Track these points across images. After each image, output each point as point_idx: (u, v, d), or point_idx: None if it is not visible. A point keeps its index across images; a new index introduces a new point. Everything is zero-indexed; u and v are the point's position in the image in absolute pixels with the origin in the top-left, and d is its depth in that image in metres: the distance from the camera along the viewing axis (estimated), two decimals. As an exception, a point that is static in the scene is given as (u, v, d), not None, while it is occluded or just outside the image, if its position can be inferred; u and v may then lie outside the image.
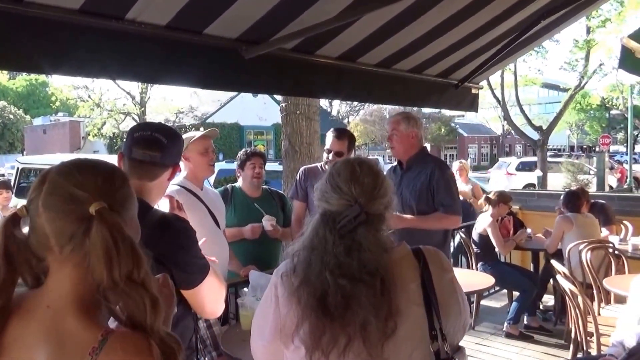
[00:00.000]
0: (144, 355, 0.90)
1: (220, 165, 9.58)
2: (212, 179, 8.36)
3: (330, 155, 3.54)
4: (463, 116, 42.69)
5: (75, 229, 0.96)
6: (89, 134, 26.19)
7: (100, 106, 24.25)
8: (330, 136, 3.60)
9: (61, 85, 26.07)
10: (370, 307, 1.29)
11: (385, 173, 1.58)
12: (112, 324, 0.99)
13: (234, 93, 24.49)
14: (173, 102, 25.99)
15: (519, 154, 43.85)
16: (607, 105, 29.33)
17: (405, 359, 1.34)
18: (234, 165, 3.89)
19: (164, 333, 0.95)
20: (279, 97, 8.28)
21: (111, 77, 2.69)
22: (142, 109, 23.91)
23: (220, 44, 2.63)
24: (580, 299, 3.33)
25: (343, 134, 3.65)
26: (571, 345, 3.67)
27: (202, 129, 3.16)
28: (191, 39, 2.51)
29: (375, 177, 1.44)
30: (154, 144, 1.79)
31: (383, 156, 31.35)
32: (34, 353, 0.93)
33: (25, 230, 1.01)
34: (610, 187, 18.47)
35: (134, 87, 23.93)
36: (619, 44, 4.21)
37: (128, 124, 24.81)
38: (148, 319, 0.93)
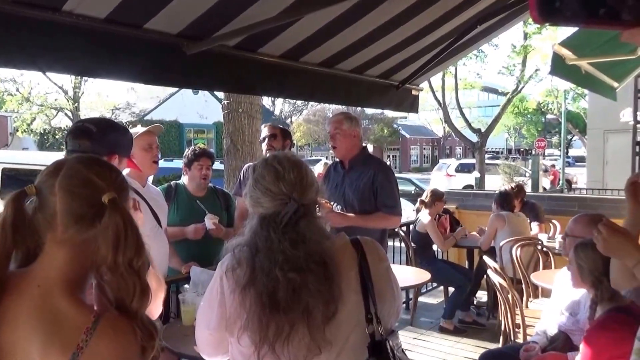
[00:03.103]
0: (130, 337, 1.00)
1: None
2: (149, 177, 8.11)
3: (266, 141, 3.68)
4: (406, 118, 43.60)
5: (85, 212, 1.04)
6: (17, 130, 24.66)
7: (29, 101, 22.89)
8: (263, 128, 3.84)
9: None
10: (316, 293, 1.35)
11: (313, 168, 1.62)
12: None
13: (174, 89, 23.66)
14: (109, 98, 24.90)
15: (459, 155, 45.18)
16: (542, 110, 30.73)
17: (344, 341, 1.41)
18: (172, 164, 3.85)
19: (146, 319, 1.04)
20: (220, 95, 8.15)
21: (41, 69, 2.62)
22: (76, 104, 22.75)
23: (161, 39, 2.59)
24: (509, 292, 3.50)
25: (274, 124, 3.97)
26: (501, 337, 3.85)
27: (139, 126, 3.12)
28: (130, 33, 2.46)
29: (298, 169, 1.48)
30: (83, 133, 1.88)
31: (327, 157, 31.42)
32: (28, 331, 0.98)
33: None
34: (544, 188, 19.40)
35: (67, 81, 22.74)
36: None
37: (60, 119, 23.61)
38: (135, 304, 1.02)
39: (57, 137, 24.15)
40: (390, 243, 4.65)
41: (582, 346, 2.02)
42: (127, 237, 1.03)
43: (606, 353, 1.92)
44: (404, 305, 5.61)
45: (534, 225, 5.38)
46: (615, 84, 5.34)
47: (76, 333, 0.96)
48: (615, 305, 2.08)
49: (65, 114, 23.18)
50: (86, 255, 1.05)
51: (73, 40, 2.29)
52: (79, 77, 20.15)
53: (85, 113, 22.77)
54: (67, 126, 23.46)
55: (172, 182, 3.66)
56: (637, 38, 0.51)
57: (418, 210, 5.38)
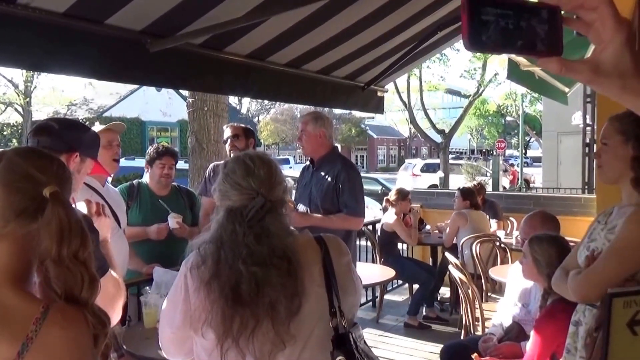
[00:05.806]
0: (81, 326, 0.99)
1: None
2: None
3: (229, 142, 3.66)
4: (373, 118, 43.88)
5: (26, 206, 1.02)
6: (-39, 125, 23.21)
7: (-25, 95, 21.53)
8: (225, 129, 3.82)
9: None
10: (279, 287, 1.38)
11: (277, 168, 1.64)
12: None
13: (135, 86, 22.85)
14: (64, 93, 23.58)
15: (425, 156, 45.71)
16: (502, 112, 31.54)
17: (308, 335, 1.45)
18: (134, 163, 3.76)
19: (97, 308, 1.04)
20: (185, 93, 8.02)
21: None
22: (27, 99, 21.39)
23: (123, 35, 2.53)
24: (469, 287, 3.62)
25: (236, 124, 3.92)
26: (462, 331, 3.97)
27: (97, 122, 3.07)
28: (90, 28, 2.37)
29: (268, 167, 1.53)
30: (44, 130, 1.85)
31: (294, 156, 31.35)
32: None
33: None
34: (504, 187, 19.92)
35: (17, 74, 21.32)
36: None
37: (9, 115, 22.43)
38: (84, 294, 1.01)
39: (5, 133, 22.98)
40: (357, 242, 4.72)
41: (532, 334, 2.13)
42: (71, 230, 1.01)
43: (554, 341, 2.03)
44: (370, 303, 5.71)
45: (493, 223, 5.59)
46: (566, 89, 5.58)
47: (25, 324, 0.95)
48: (561, 296, 2.20)
49: (15, 109, 21.87)
50: (29, 249, 1.03)
51: (26, 33, 2.20)
52: (32, 71, 19.17)
53: (37, 108, 21.73)
54: (16, 122, 22.44)
55: (135, 181, 3.55)
56: (549, 65, 0.61)
57: (385, 210, 5.48)
